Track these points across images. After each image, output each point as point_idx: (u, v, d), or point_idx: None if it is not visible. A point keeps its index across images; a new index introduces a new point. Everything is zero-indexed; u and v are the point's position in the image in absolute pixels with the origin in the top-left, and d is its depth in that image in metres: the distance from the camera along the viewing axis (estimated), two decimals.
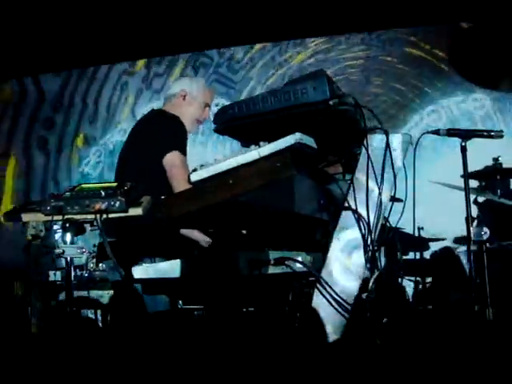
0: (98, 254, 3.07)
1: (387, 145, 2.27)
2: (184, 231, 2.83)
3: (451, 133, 2.86)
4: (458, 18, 5.37)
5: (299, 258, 2.27)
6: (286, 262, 2.22)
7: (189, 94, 3.37)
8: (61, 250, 2.19)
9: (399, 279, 4.55)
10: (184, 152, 3.09)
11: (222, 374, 2.08)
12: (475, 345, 2.48)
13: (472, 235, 2.83)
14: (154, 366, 2.17)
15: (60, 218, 2.16)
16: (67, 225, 2.17)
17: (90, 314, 4.76)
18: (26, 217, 2.31)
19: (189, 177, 2.19)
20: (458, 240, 4.13)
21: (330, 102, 2.08)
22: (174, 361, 2.20)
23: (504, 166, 3.79)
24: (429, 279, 4.70)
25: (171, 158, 3.02)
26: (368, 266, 2.26)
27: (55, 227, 2.26)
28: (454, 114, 5.67)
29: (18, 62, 6.79)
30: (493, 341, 2.50)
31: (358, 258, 2.23)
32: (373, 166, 2.24)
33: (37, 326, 2.46)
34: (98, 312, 4.71)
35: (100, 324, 4.47)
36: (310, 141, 2.16)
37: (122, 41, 6.50)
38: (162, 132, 3.10)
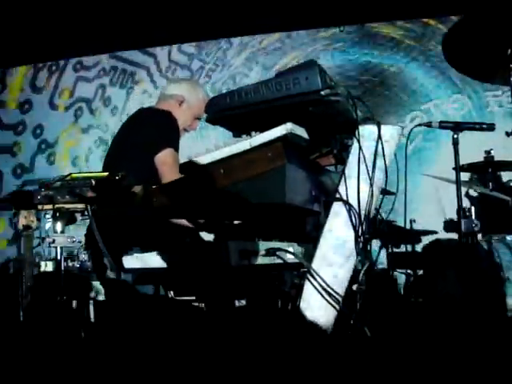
0: (85, 243, 3.06)
1: (379, 136, 2.27)
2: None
3: (443, 125, 2.86)
4: (452, 11, 5.38)
5: (290, 249, 2.28)
6: (278, 253, 2.22)
7: (186, 102, 3.34)
8: (51, 239, 2.19)
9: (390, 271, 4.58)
10: (177, 149, 3.07)
11: (213, 363, 2.08)
12: (463, 338, 2.49)
13: (463, 227, 2.84)
14: (142, 355, 2.17)
15: (50, 207, 2.16)
16: (58, 214, 2.17)
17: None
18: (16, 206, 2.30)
19: (180, 166, 2.19)
20: (448, 227, 4.13)
21: (322, 93, 2.08)
22: (163, 351, 2.20)
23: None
24: (420, 272, 4.71)
25: (164, 156, 3.00)
26: (359, 257, 2.26)
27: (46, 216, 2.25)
28: None
29: None
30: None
31: (349, 249, 2.23)
32: (364, 158, 2.24)
33: (26, 318, 2.46)
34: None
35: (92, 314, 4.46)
36: (301, 131, 2.16)
37: None
38: (156, 128, 3.08)
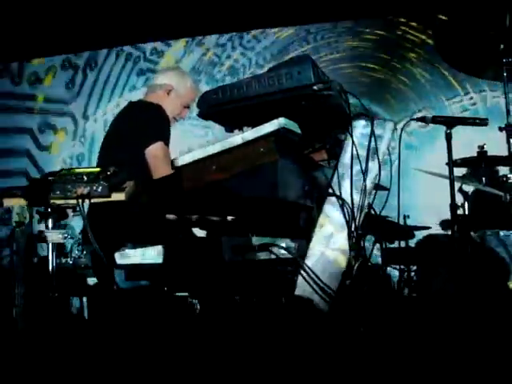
0: (82, 240, 3.05)
1: (372, 131, 2.26)
2: None
3: (437, 120, 2.86)
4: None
5: (283, 245, 2.27)
6: (270, 249, 2.21)
7: (174, 91, 3.33)
8: (43, 236, 2.17)
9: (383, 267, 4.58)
10: (167, 142, 3.06)
11: (206, 357, 2.08)
12: (457, 333, 2.49)
13: None
14: (135, 351, 2.16)
15: None
16: (49, 210, 2.16)
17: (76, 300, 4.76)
18: (7, 202, 2.29)
19: (172, 162, 2.18)
20: (444, 224, 4.12)
21: (315, 87, 2.07)
22: (156, 347, 2.19)
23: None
24: (414, 268, 4.71)
25: (154, 149, 2.99)
26: (352, 252, 2.26)
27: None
28: None
29: None
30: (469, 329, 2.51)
31: (342, 244, 2.23)
32: (357, 153, 2.23)
33: (20, 314, 2.45)
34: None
35: (86, 311, 4.46)
36: (294, 126, 2.15)
37: None
38: (146, 121, 3.07)
